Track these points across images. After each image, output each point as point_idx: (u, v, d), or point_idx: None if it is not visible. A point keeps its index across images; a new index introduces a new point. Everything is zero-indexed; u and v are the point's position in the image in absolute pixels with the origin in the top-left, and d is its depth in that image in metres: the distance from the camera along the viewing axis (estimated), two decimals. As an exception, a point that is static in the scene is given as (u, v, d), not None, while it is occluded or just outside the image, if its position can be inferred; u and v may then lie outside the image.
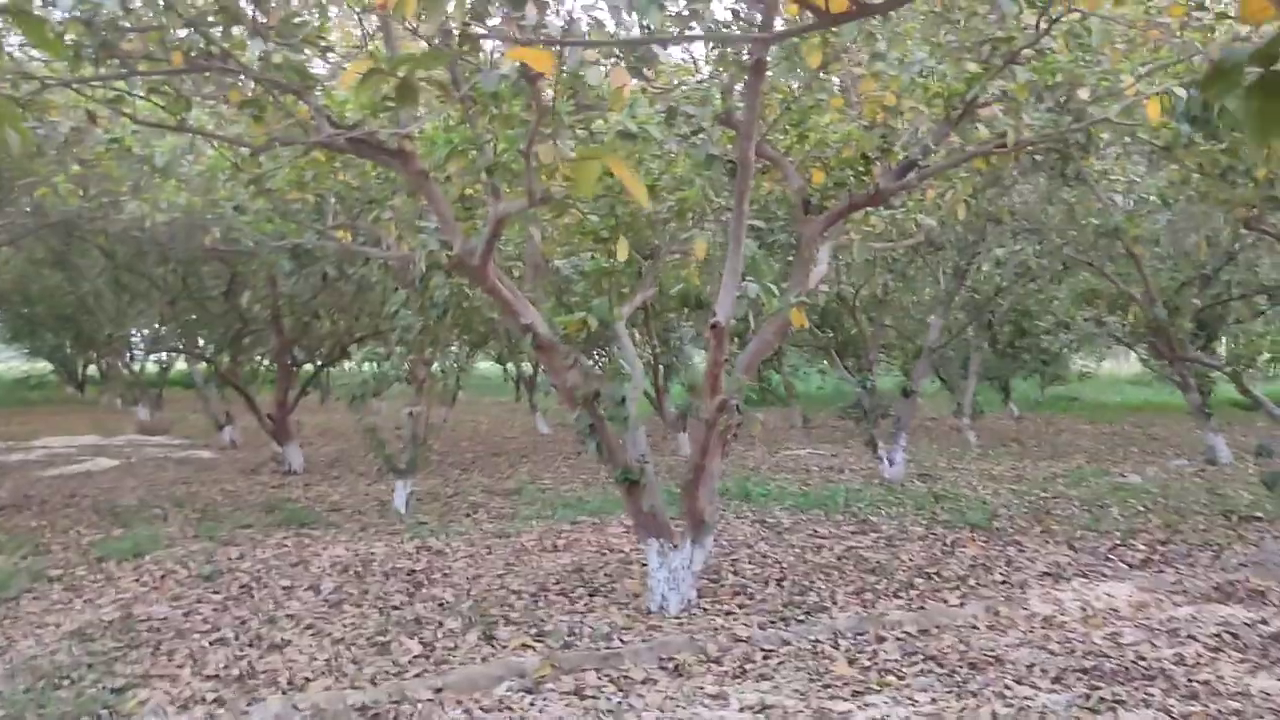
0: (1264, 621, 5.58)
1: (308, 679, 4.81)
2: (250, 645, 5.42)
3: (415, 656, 5.14)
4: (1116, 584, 6.35)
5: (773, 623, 5.70)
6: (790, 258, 6.45)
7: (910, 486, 10.95)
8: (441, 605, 6.18)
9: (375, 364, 9.55)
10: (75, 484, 12.49)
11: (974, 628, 5.63)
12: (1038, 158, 9.24)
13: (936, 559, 7.30)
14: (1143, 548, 7.55)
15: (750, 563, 7.23)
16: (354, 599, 6.37)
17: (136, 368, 23.65)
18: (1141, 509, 9.33)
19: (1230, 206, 7.47)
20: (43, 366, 34.02)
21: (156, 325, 20.04)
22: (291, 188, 7.34)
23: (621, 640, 5.35)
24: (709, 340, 5.30)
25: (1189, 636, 5.35)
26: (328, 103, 5.67)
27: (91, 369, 31.98)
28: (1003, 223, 9.49)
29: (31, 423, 22.20)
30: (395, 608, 6.14)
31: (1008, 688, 4.58)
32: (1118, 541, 7.77)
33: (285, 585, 6.77)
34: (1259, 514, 8.78)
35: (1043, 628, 5.59)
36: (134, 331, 21.40)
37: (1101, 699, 4.39)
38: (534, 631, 5.55)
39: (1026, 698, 4.46)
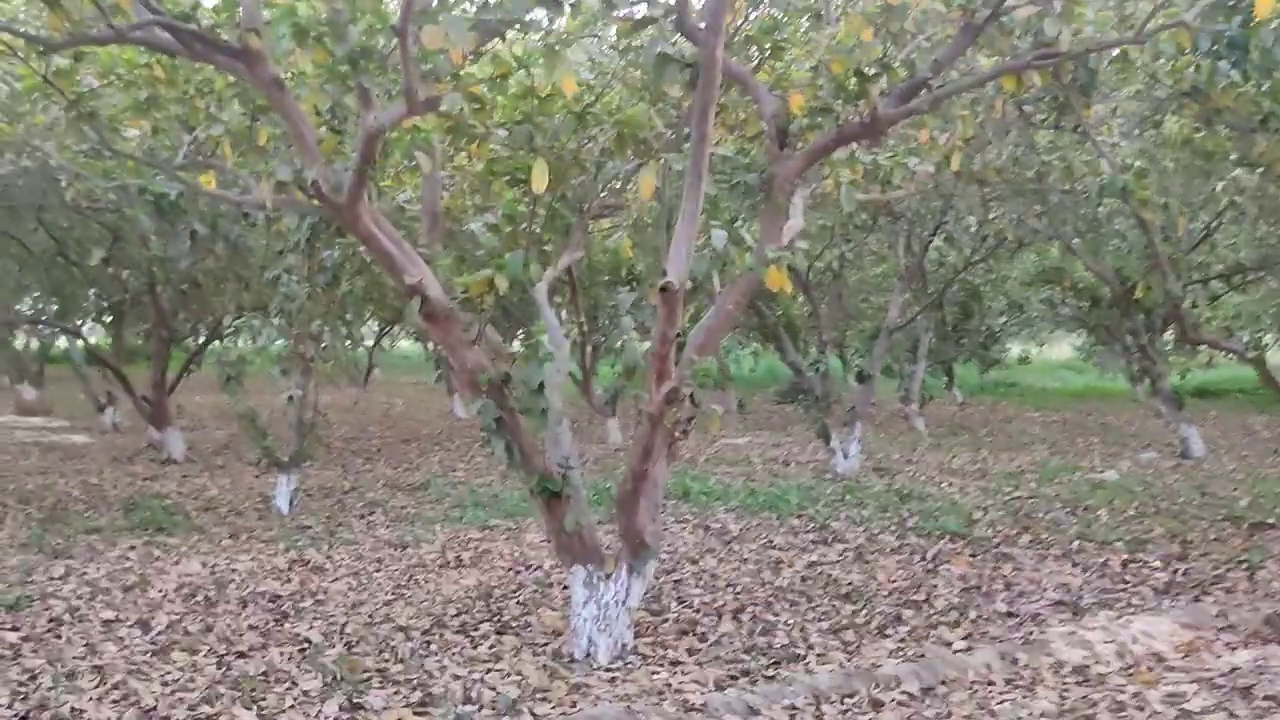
0: (1352, 672, 4.41)
1: (81, 784, 3.39)
2: (23, 719, 3.97)
3: (244, 742, 3.73)
4: (1151, 618, 5.15)
5: (734, 677, 4.39)
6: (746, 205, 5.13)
7: (867, 482, 9.74)
8: (303, 650, 4.76)
9: (251, 339, 8.04)
10: (-90, 474, 10.77)
11: (990, 683, 4.37)
12: (1026, 108, 8.08)
13: (920, 580, 6.05)
14: (1158, 564, 6.38)
15: (698, 585, 5.91)
16: (191, 640, 4.91)
17: (20, 343, 21.59)
18: (1134, 513, 8.21)
19: (1267, 161, 6.32)
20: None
21: (36, 296, 18.16)
22: (129, 114, 5.80)
23: (533, 713, 3.98)
24: (657, 308, 3.95)
25: (1269, 700, 4.15)
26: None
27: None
28: (987, 184, 8.28)
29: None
30: (242, 654, 4.70)
31: (1069, 792, 3.32)
32: (1127, 556, 6.60)
33: (109, 618, 5.29)
34: (1271, 520, 7.70)
35: (1079, 684, 4.35)
36: (18, 303, 19.46)
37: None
38: (417, 695, 4.16)
39: (1098, 808, 3.21)
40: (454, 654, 4.70)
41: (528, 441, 4.47)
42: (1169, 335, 15.19)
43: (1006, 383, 25.11)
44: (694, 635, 4.95)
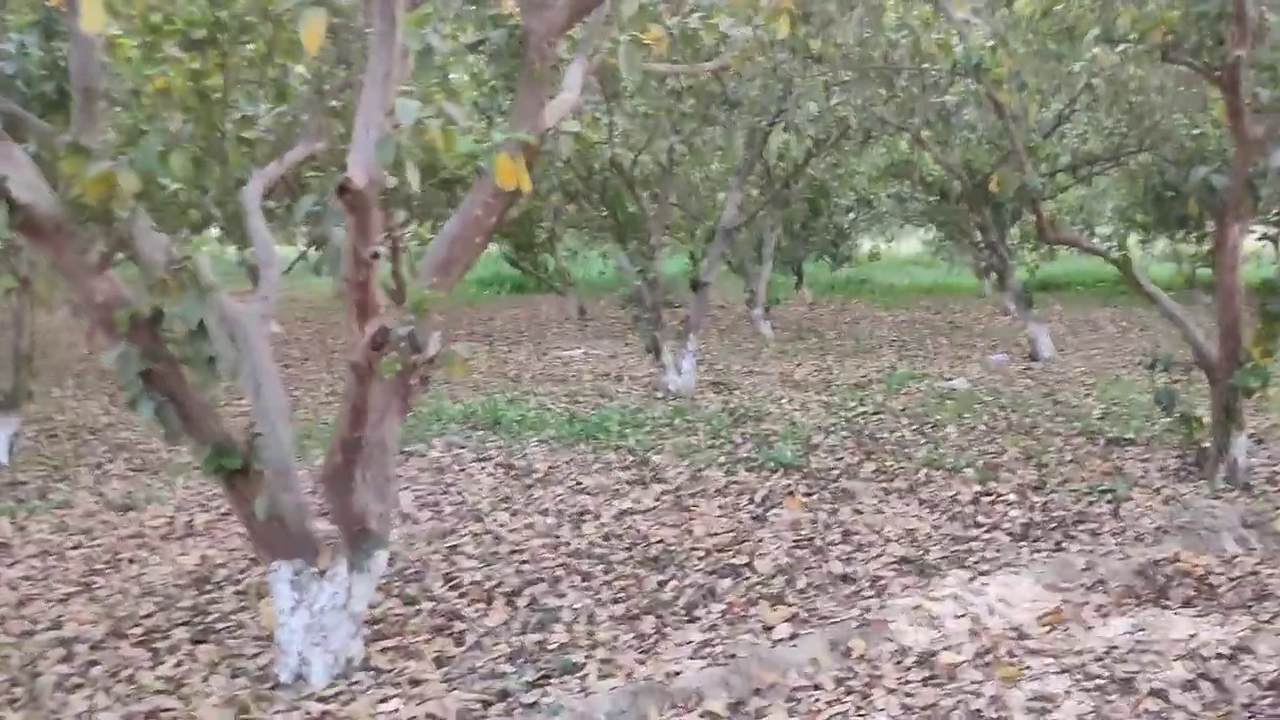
0: (1246, 649, 3.62)
1: None
2: None
3: None
4: (1008, 577, 4.31)
5: (486, 703, 3.34)
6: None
7: (702, 402, 8.79)
8: (-93, 688, 3.52)
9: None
10: None
11: (817, 687, 3.44)
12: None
13: (745, 532, 5.10)
14: (1014, 499, 5.58)
15: (476, 553, 4.83)
16: None
17: None
18: (984, 427, 7.48)
19: (1140, 30, 5.41)
20: None
21: None
22: None
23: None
24: (346, 218, 2.76)
25: (1155, 695, 3.32)
26: None
27: None
28: (824, 61, 7.23)
29: None
30: None
31: None
32: (979, 488, 5.79)
33: None
34: (1130, 435, 7.03)
35: (925, 682, 3.46)
36: None
37: None
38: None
39: None
40: (120, 679, 3.53)
41: (195, 401, 3.26)
42: (1017, 231, 14.70)
43: (857, 279, 24.64)
44: (449, 634, 3.87)
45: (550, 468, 6.51)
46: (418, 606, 4.13)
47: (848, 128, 9.27)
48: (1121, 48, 7.39)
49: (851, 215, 17.71)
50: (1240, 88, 5.11)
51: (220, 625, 4.00)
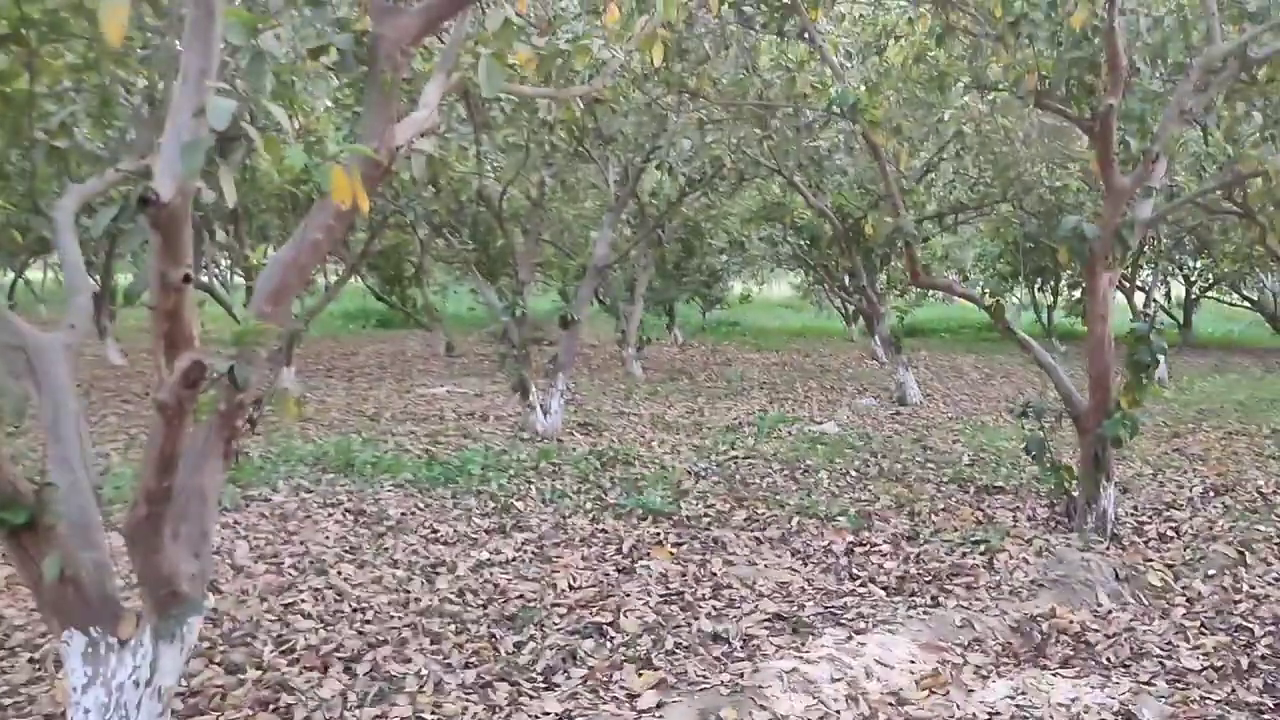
0: (1129, 714, 3.47)
1: None
2: None
3: None
4: (884, 636, 4.09)
5: (312, 791, 2.94)
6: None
7: (570, 444, 8.47)
8: None
9: None
10: None
11: (684, 766, 3.14)
12: (746, 8, 6.91)
13: (610, 586, 4.79)
14: (888, 550, 5.42)
15: (312, 614, 4.38)
16: None
17: None
18: (855, 473, 7.37)
19: (1012, 77, 5.37)
20: None
21: None
22: None
23: None
24: (152, 239, 2.38)
25: (1041, 767, 3.12)
26: None
27: None
28: (701, 96, 7.05)
29: None
30: None
31: None
32: (852, 539, 5.62)
33: None
34: (999, 483, 6.99)
35: (801, 758, 3.20)
36: None
37: None
38: None
39: None
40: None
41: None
42: (885, 276, 14.83)
43: (729, 322, 24.73)
44: (278, 709, 3.45)
45: (404, 514, 6.09)
46: (242, 676, 3.68)
47: (722, 167, 9.13)
48: (991, 96, 7.45)
49: (724, 257, 17.69)
50: (1111, 137, 5.10)
51: (8, 701, 3.49)
